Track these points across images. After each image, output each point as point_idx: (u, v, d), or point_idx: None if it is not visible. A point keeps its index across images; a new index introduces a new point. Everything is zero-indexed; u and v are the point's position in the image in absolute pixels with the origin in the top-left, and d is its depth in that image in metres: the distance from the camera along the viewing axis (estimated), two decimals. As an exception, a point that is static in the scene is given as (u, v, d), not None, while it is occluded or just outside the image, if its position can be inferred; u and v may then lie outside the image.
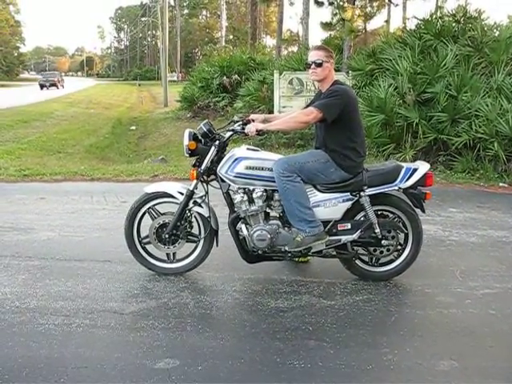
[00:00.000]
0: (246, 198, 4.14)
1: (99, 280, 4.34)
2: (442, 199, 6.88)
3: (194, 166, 4.33)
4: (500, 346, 3.34)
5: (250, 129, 4.04)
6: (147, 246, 4.46)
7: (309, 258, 4.56)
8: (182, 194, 4.29)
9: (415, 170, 4.15)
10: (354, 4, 14.32)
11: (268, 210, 4.23)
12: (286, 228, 4.17)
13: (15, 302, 3.89)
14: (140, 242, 4.44)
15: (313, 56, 4.16)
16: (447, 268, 4.65)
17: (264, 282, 4.32)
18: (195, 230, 4.43)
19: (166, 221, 4.34)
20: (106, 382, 2.93)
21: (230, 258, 4.67)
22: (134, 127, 23.97)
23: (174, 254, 4.48)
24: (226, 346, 3.32)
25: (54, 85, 52.95)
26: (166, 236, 4.32)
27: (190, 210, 4.34)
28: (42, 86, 51.94)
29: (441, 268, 4.66)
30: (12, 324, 3.55)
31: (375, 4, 18.91)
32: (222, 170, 4.16)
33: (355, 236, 4.16)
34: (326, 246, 4.17)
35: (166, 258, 4.49)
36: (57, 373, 2.99)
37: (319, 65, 4.12)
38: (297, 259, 4.54)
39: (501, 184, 8.36)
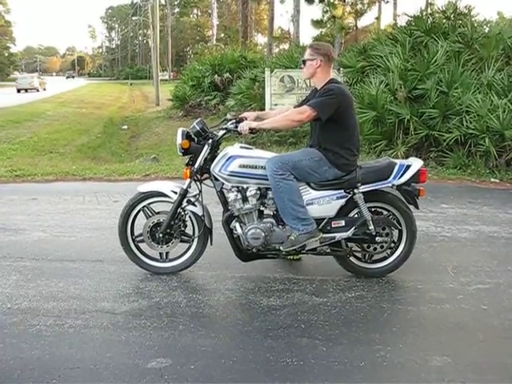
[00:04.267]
0: (239, 196, 4.13)
1: (91, 280, 4.33)
2: (433, 195, 6.89)
3: (187, 164, 4.31)
4: (492, 341, 3.34)
5: (243, 127, 4.04)
6: (140, 245, 4.44)
7: (301, 255, 4.55)
8: (175, 192, 4.27)
9: (408, 166, 4.15)
10: (344, 1, 14.37)
11: (262, 208, 4.22)
12: (280, 226, 4.17)
13: (6, 304, 3.87)
14: (133, 240, 4.42)
15: (304, 54, 4.22)
16: (439, 264, 4.66)
17: (256, 280, 4.31)
18: (189, 230, 4.41)
19: (161, 220, 4.33)
20: (98, 382, 2.92)
21: (222, 256, 4.67)
22: (125, 126, 23.92)
23: (166, 253, 4.47)
24: (219, 344, 3.31)
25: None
26: (160, 235, 4.31)
27: (183, 209, 4.32)
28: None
29: (433, 264, 4.67)
30: (3, 325, 3.53)
31: (366, 1, 18.93)
32: (216, 168, 4.15)
33: (349, 233, 4.16)
34: (321, 243, 4.16)
35: (158, 257, 4.48)
36: (48, 374, 2.98)
37: (304, 62, 4.20)
38: (291, 257, 4.54)
39: (492, 179, 8.39)
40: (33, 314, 3.69)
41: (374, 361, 3.11)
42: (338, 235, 4.18)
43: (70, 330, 3.48)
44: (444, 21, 11.76)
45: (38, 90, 46.94)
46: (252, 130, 4.06)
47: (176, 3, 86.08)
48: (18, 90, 46.43)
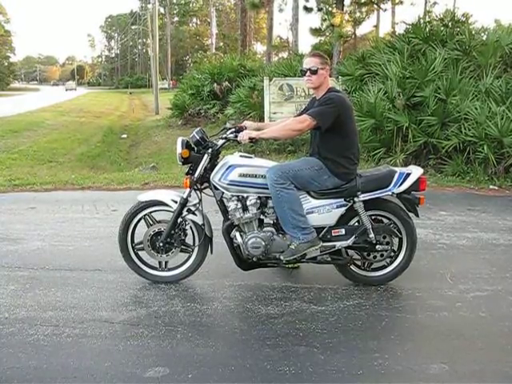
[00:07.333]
0: (239, 205, 4.13)
1: (89, 289, 4.32)
2: (432, 202, 6.89)
3: (187, 174, 4.31)
4: (490, 349, 3.34)
5: (243, 136, 4.03)
6: (140, 252, 4.44)
7: (299, 263, 4.55)
8: (175, 202, 4.27)
9: (408, 174, 4.14)
10: (342, 9, 14.38)
11: (262, 217, 4.22)
12: (281, 235, 4.16)
13: (4, 313, 3.86)
14: (133, 248, 4.41)
15: (308, 63, 4.15)
16: (438, 271, 4.65)
17: (254, 288, 4.31)
18: (189, 239, 4.41)
19: (161, 229, 4.32)
20: (95, 392, 2.92)
21: (220, 265, 4.67)
22: (125, 135, 23.95)
23: (166, 262, 4.46)
24: (217, 353, 3.30)
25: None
26: (161, 244, 4.30)
27: (184, 218, 4.32)
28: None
29: (431, 271, 4.66)
30: (0, 335, 3.52)
31: (364, 9, 19.04)
32: (216, 177, 4.15)
33: (349, 242, 4.15)
34: (321, 252, 4.17)
35: (157, 266, 4.48)
36: (46, 384, 2.98)
37: (314, 72, 4.12)
38: (291, 265, 4.53)
39: (491, 186, 8.40)
40: (30, 324, 3.68)
41: (372, 369, 3.11)
42: (339, 244, 4.17)
43: (68, 339, 3.48)
44: (442, 28, 11.79)
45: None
46: (252, 140, 4.06)
47: (175, 12, 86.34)
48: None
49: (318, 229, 4.13)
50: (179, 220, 4.29)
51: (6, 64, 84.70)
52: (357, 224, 4.23)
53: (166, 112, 25.50)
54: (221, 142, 4.26)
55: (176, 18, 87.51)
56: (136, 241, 4.42)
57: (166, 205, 4.31)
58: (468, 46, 10.68)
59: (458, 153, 9.17)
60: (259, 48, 56.38)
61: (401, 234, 4.28)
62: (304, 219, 4.04)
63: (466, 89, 9.61)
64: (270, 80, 12.03)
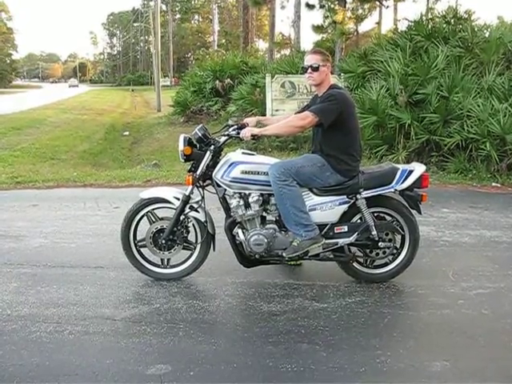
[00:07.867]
0: (242, 202, 4.12)
1: (91, 286, 4.32)
2: (435, 200, 6.86)
3: (189, 171, 4.30)
4: (492, 346, 3.33)
5: (245, 133, 4.02)
6: (142, 250, 4.44)
7: (301, 260, 4.54)
8: (178, 199, 4.27)
9: (411, 171, 4.13)
10: (344, 6, 14.34)
11: (264, 214, 4.21)
12: (283, 232, 4.15)
13: (6, 310, 3.86)
14: (135, 245, 4.41)
15: (309, 60, 4.15)
16: (440, 269, 4.65)
17: (256, 285, 4.30)
18: (192, 236, 4.41)
19: (164, 226, 4.32)
20: (97, 389, 2.91)
21: (222, 262, 4.66)
22: (127, 133, 23.93)
23: (168, 259, 4.46)
24: (219, 350, 3.30)
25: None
26: (163, 241, 4.30)
27: (186, 216, 4.32)
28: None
29: (434, 269, 4.65)
30: (3, 332, 3.52)
31: (366, 6, 18.96)
32: (218, 174, 4.14)
33: (352, 239, 4.14)
34: (323, 249, 4.15)
35: (159, 263, 4.47)
36: (48, 381, 2.97)
37: (316, 69, 4.11)
38: (293, 262, 4.53)
39: (493, 184, 8.38)
40: (33, 321, 3.68)
41: (375, 366, 3.10)
42: (341, 241, 4.16)
43: (70, 336, 3.48)
44: (444, 25, 11.77)
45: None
46: (254, 137, 4.05)
47: (177, 9, 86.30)
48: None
49: (321, 226, 4.12)
50: (182, 217, 4.29)
51: (9, 61, 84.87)
52: (359, 221, 4.23)
53: (168, 109, 25.49)
54: (223, 139, 4.25)
55: (178, 16, 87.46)
56: (138, 238, 4.41)
57: (169, 202, 4.31)
58: (470, 43, 10.66)
59: (460, 150, 9.15)
60: (261, 45, 56.20)
61: (403, 231, 4.27)
62: (306, 216, 4.03)
63: (469, 86, 9.59)
64: (272, 77, 12.01)
